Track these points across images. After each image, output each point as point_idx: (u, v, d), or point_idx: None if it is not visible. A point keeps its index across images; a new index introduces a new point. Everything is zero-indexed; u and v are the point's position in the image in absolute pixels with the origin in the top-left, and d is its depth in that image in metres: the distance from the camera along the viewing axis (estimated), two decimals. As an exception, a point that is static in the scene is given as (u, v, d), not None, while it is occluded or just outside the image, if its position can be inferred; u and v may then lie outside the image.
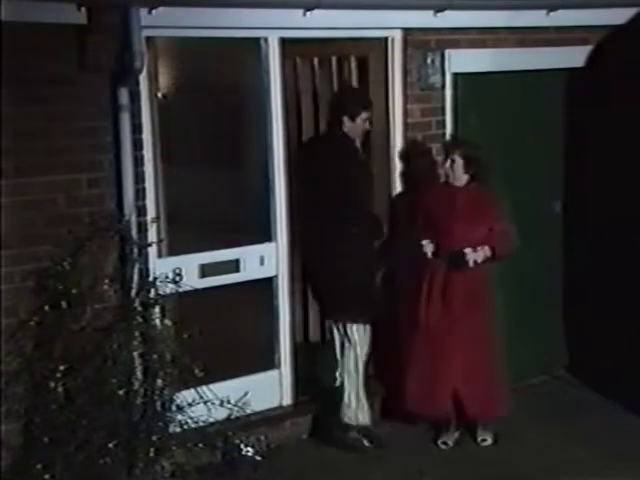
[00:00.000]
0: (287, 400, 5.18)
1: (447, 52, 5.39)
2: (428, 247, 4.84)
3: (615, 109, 5.64)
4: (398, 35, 5.29)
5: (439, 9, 5.13)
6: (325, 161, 4.88)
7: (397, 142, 5.40)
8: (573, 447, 4.80)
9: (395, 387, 5.01)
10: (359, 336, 4.87)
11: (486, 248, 4.78)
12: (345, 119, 4.82)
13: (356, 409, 4.90)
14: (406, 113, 5.39)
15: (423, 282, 4.88)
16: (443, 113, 5.49)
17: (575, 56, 5.79)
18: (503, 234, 4.87)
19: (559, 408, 5.38)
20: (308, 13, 4.79)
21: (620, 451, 4.69)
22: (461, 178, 4.89)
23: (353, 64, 5.47)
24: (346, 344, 4.89)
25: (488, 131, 5.44)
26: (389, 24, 5.18)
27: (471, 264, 4.79)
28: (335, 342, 4.97)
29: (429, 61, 5.36)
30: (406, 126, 5.39)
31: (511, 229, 4.89)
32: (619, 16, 5.73)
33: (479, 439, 5.01)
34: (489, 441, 5.00)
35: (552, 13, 5.49)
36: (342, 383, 4.92)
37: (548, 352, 5.79)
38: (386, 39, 5.30)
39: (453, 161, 4.87)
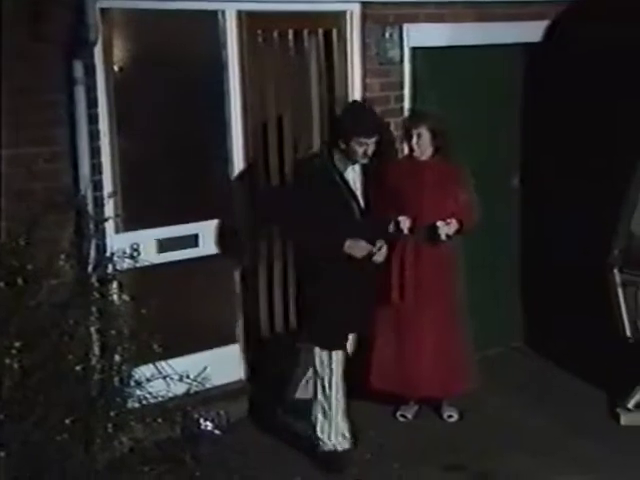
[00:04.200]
0: (246, 374, 5.10)
1: (405, 26, 5.29)
2: (405, 223, 4.72)
3: (572, 83, 5.59)
4: (357, 9, 5.19)
5: None
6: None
7: None
8: (534, 418, 4.78)
9: (364, 364, 4.87)
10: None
11: (454, 221, 4.71)
12: (340, 142, 4.46)
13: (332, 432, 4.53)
14: (365, 87, 5.30)
15: (393, 258, 4.75)
16: (402, 87, 5.40)
17: (532, 31, 5.73)
18: (469, 206, 4.82)
19: (516, 379, 5.35)
20: None
21: (577, 420, 4.69)
22: (427, 152, 4.81)
23: (318, 38, 5.25)
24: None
25: (446, 105, 5.31)
26: None
27: (444, 237, 4.71)
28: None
29: (387, 35, 5.27)
30: (364, 100, 5.24)
31: (475, 201, 4.83)
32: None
33: (445, 415, 4.94)
34: (455, 417, 4.93)
35: None
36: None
37: (505, 326, 5.76)
38: (344, 13, 5.20)
39: (420, 135, 4.77)
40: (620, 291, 4.67)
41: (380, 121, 4.75)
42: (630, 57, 5.14)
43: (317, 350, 4.45)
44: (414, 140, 4.80)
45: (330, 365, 4.44)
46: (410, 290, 4.77)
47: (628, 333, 4.63)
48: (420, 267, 4.79)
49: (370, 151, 4.42)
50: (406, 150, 4.93)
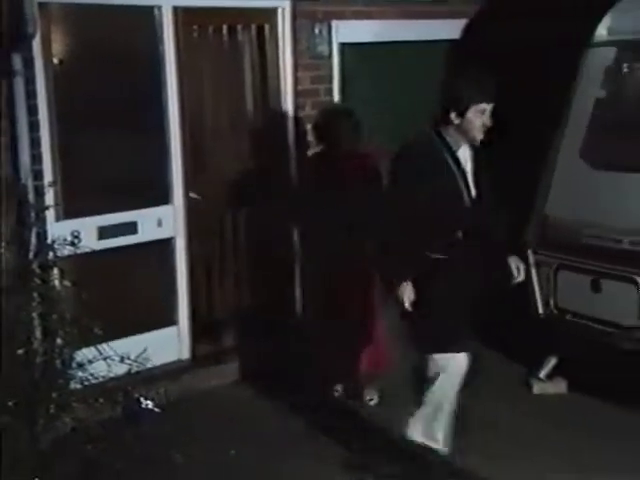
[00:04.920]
0: (185, 354, 5.27)
1: (334, 23, 5.52)
2: None
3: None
4: (288, 6, 5.39)
5: None
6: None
7: (288, 109, 5.50)
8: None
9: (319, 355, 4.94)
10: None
11: None
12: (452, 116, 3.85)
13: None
14: (296, 81, 5.50)
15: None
16: (331, 81, 5.63)
17: (453, 28, 6.03)
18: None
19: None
20: None
21: (495, 389, 4.85)
22: (346, 145, 4.79)
23: (251, 33, 5.42)
24: None
25: (373, 98, 5.60)
26: None
27: None
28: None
29: (317, 31, 5.49)
30: (296, 93, 5.51)
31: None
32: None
33: (367, 398, 4.96)
34: (376, 400, 4.97)
35: None
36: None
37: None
38: (276, 9, 5.39)
39: (339, 129, 4.78)
40: (534, 271, 4.89)
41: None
42: (536, 53, 5.43)
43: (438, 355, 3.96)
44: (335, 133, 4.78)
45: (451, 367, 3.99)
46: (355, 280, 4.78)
47: (540, 310, 4.92)
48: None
49: (488, 122, 3.83)
50: (319, 146, 4.94)
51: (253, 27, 5.40)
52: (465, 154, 3.87)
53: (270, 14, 5.40)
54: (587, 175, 4.74)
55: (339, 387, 5.08)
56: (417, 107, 5.52)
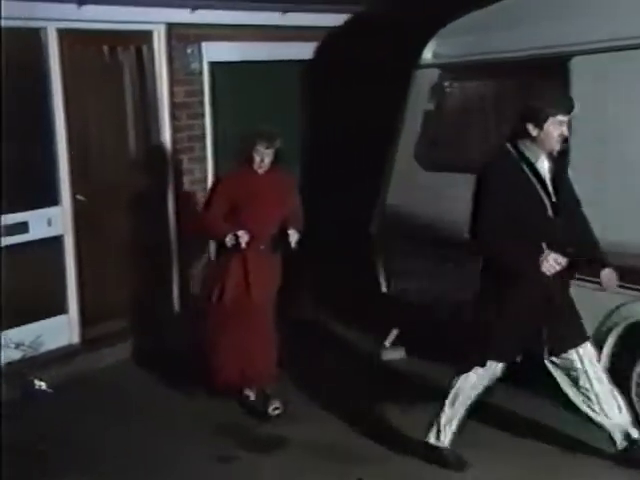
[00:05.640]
0: (75, 339, 5.67)
1: (204, 44, 6.06)
2: (244, 238, 4.65)
3: (336, 91, 6.52)
4: (163, 29, 5.88)
5: (194, 8, 5.83)
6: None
7: (165, 120, 6.01)
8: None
9: (216, 367, 4.83)
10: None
11: (293, 229, 4.76)
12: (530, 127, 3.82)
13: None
14: (172, 94, 6.00)
15: (235, 267, 4.74)
16: (202, 95, 6.16)
17: (307, 50, 6.69)
18: (299, 211, 4.92)
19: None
20: (83, 7, 5.28)
21: (350, 360, 5.55)
22: (267, 166, 4.77)
23: (130, 53, 5.83)
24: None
25: (240, 110, 6.14)
26: (154, 19, 5.79)
27: (294, 245, 4.74)
28: None
29: (189, 51, 6.02)
30: (173, 105, 6.01)
31: (300, 206, 4.95)
32: (337, 20, 6.78)
33: (272, 407, 4.80)
34: (281, 408, 4.82)
35: (287, 14, 6.35)
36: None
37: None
38: (152, 32, 5.87)
39: (268, 155, 4.72)
40: (379, 255, 5.47)
41: None
42: (379, 71, 6.11)
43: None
44: (263, 159, 4.72)
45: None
46: (258, 295, 4.76)
47: (384, 289, 5.52)
48: (264, 273, 4.78)
49: (566, 132, 3.81)
50: (255, 166, 4.74)
51: (132, 48, 5.84)
52: (544, 165, 3.87)
53: (147, 36, 5.86)
54: (420, 175, 5.28)
55: (251, 393, 4.94)
56: (275, 116, 5.91)
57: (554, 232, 3.81)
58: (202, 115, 6.20)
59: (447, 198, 5.05)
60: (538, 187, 3.83)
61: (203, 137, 6.28)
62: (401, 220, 5.36)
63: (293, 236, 4.74)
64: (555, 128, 3.78)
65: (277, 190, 4.80)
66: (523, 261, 3.81)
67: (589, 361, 4.00)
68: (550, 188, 3.86)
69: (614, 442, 4.06)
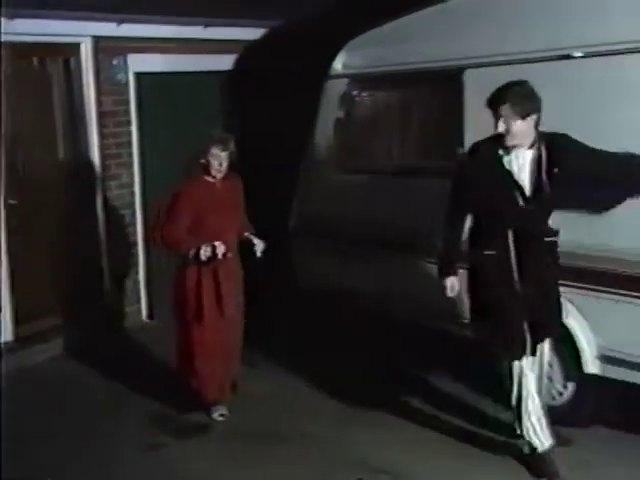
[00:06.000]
0: (8, 337, 5.84)
1: (130, 56, 6.32)
2: (220, 249, 4.52)
3: (255, 100, 6.86)
4: (89, 42, 6.12)
5: (120, 21, 6.10)
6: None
7: (93, 127, 6.23)
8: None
9: (195, 378, 4.77)
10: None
11: (257, 238, 4.73)
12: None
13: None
14: (100, 103, 6.24)
15: (207, 280, 4.63)
16: (128, 104, 6.42)
17: (227, 61, 7.03)
18: (246, 218, 4.88)
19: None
20: (12, 21, 5.48)
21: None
22: (225, 170, 4.66)
23: (59, 64, 6.06)
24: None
25: (165, 118, 6.44)
26: (81, 32, 6.03)
27: (259, 254, 4.68)
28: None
29: (115, 62, 6.27)
30: (100, 114, 6.25)
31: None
32: (255, 33, 7.15)
33: (217, 414, 4.80)
34: (227, 413, 4.84)
35: (208, 28, 6.67)
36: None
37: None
38: (79, 44, 6.10)
39: (225, 159, 4.63)
40: (294, 254, 5.81)
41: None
42: (293, 81, 6.47)
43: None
44: (222, 163, 4.61)
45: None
46: (231, 305, 4.70)
47: (300, 284, 5.84)
48: (234, 282, 4.73)
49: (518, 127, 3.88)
50: (213, 172, 4.64)
51: (60, 59, 6.07)
52: (519, 158, 3.94)
53: (74, 49, 6.09)
54: (332, 177, 5.61)
55: (225, 410, 4.87)
56: (196, 122, 6.16)
57: (525, 219, 3.94)
58: (128, 123, 6.47)
59: (356, 198, 5.43)
60: (507, 179, 3.94)
61: (130, 144, 6.53)
62: (315, 219, 5.69)
63: (259, 245, 4.66)
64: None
65: (234, 196, 4.74)
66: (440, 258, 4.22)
67: (540, 356, 4.17)
68: (526, 179, 3.94)
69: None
